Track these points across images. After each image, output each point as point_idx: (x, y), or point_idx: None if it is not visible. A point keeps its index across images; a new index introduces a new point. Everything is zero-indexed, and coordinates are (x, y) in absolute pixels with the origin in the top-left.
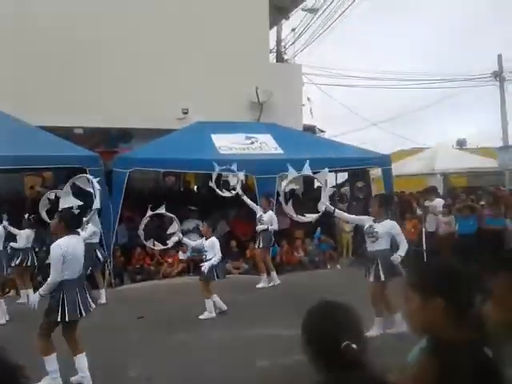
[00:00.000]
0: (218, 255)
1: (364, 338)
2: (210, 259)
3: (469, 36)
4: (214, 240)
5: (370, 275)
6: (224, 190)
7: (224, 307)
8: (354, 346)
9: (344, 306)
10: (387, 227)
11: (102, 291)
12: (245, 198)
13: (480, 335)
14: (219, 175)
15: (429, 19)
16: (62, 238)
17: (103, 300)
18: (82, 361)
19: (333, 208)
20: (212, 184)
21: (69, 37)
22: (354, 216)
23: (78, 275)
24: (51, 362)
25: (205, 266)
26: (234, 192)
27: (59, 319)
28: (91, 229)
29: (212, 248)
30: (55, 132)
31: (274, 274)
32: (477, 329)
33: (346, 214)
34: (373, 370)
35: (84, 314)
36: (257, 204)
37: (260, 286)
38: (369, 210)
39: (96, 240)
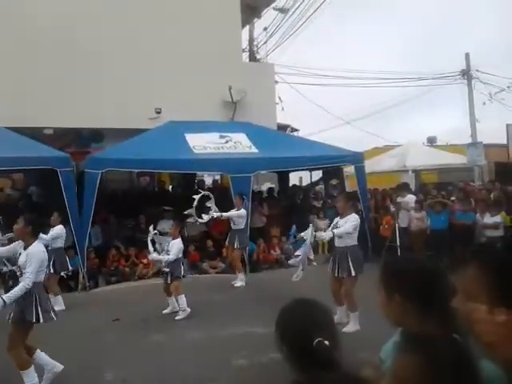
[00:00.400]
0: (172, 257)
1: (336, 334)
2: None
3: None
4: (175, 241)
5: (340, 271)
6: (203, 216)
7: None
8: (326, 342)
9: (315, 303)
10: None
11: (59, 297)
12: (224, 214)
13: (449, 329)
14: (193, 175)
15: (401, 18)
16: (38, 243)
17: (62, 306)
18: (41, 356)
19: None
20: (192, 211)
21: (41, 36)
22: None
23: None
24: (31, 376)
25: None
26: (214, 214)
27: (34, 321)
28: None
29: (171, 249)
30: (24, 132)
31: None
32: (444, 323)
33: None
34: (346, 367)
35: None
36: (232, 202)
37: (238, 284)
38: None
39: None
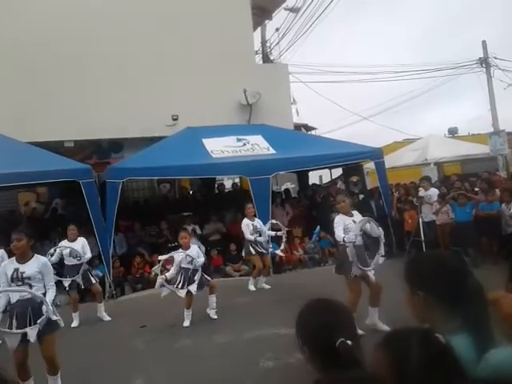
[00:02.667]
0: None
1: (357, 334)
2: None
3: (454, 25)
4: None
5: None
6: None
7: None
8: (348, 342)
9: (335, 302)
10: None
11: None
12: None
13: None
14: (213, 179)
15: (413, 12)
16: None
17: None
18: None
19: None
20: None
21: (55, 50)
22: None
23: None
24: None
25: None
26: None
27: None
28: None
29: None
30: (46, 146)
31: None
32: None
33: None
34: (369, 365)
35: None
36: (254, 204)
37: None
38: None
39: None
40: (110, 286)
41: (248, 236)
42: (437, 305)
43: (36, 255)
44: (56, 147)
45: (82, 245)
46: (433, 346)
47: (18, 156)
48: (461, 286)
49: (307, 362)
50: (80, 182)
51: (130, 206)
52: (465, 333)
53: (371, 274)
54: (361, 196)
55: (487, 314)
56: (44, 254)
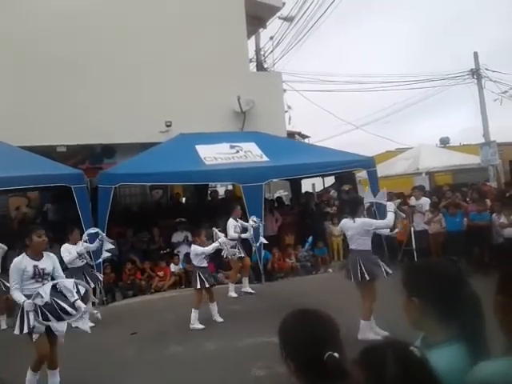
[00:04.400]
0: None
1: (342, 344)
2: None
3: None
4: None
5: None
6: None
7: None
8: (336, 355)
9: (321, 313)
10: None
11: None
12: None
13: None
14: (206, 186)
15: (406, 21)
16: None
17: None
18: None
19: None
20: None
21: (49, 53)
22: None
23: None
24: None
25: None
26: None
27: None
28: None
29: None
30: (38, 151)
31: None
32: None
33: None
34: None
35: None
36: (246, 211)
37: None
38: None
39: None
40: (100, 292)
41: (231, 234)
42: (432, 312)
43: (44, 252)
44: (48, 152)
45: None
46: (408, 360)
47: (10, 160)
48: (456, 295)
49: (292, 374)
50: (71, 187)
51: (122, 212)
52: (459, 342)
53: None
54: None
55: (483, 324)
56: None
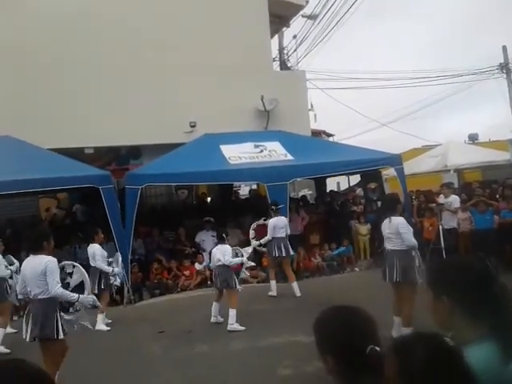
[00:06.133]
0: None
1: (381, 341)
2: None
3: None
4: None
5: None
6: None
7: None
8: (377, 348)
9: (359, 309)
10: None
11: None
12: (262, 241)
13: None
14: (230, 185)
15: (430, 17)
16: None
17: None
18: None
19: None
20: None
21: (76, 57)
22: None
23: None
24: None
25: None
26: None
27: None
28: None
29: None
30: (66, 153)
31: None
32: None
33: None
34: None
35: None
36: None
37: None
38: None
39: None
40: (128, 292)
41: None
42: (462, 311)
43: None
44: (76, 154)
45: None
46: (440, 350)
47: (39, 162)
48: (486, 291)
49: (330, 371)
50: (99, 188)
51: (149, 212)
52: (491, 340)
53: None
54: (379, 203)
55: None
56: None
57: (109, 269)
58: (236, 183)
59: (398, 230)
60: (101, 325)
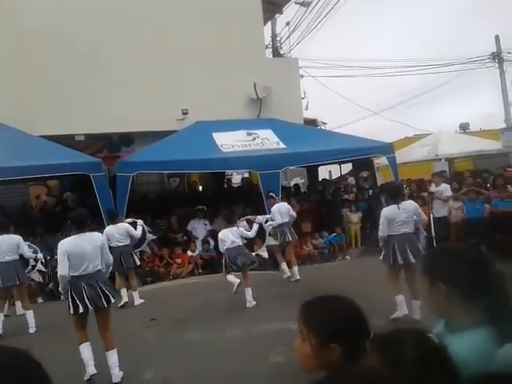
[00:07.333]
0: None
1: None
2: None
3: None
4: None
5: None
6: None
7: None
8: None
9: (350, 300)
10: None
11: (135, 293)
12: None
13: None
14: (222, 173)
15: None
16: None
17: (136, 301)
18: (111, 357)
19: None
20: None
21: (66, 44)
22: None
23: (83, 272)
24: (83, 350)
25: None
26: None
27: (72, 312)
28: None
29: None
30: (57, 140)
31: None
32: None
33: None
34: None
35: (91, 308)
36: (262, 200)
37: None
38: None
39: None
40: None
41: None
42: (458, 296)
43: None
44: (67, 141)
45: None
46: (428, 348)
47: (30, 149)
48: (482, 277)
49: (335, 360)
50: (90, 175)
51: (140, 200)
52: (486, 326)
53: None
54: (370, 191)
55: (510, 306)
56: (55, 247)
57: None
58: (228, 171)
59: (416, 211)
60: (139, 299)
